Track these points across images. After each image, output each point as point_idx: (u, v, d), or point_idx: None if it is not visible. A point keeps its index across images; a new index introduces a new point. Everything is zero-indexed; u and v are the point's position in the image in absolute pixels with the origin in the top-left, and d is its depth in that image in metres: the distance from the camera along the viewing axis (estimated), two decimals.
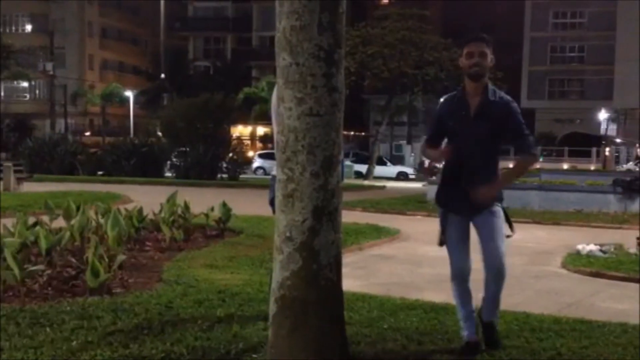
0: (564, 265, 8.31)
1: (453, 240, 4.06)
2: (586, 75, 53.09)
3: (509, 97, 4.03)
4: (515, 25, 55.41)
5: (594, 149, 45.32)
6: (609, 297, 6.59)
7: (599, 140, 46.39)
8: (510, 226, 4.12)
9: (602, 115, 47.98)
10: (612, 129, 49.33)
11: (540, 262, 8.83)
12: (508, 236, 4.06)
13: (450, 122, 4.04)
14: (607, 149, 43.26)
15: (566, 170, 31.50)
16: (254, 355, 3.83)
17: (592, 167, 38.10)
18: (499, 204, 4.06)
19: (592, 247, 8.94)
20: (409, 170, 38.63)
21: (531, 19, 53.95)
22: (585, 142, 47.11)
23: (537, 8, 53.26)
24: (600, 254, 8.66)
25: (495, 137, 4.00)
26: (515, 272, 7.97)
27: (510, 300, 6.13)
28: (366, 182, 29.20)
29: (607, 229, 12.47)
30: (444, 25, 54.27)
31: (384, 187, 25.96)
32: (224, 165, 25.97)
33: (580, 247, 9.02)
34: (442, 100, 4.30)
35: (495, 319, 4.19)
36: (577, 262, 8.28)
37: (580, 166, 37.21)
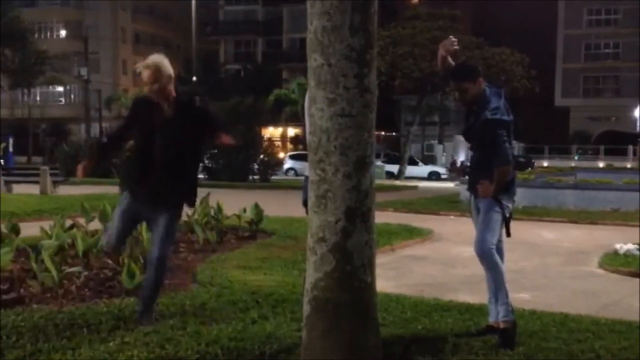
0: (601, 265, 8.16)
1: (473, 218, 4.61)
2: (621, 72, 52.12)
3: (487, 114, 4.26)
4: (548, 23, 54.68)
5: (630, 147, 44.47)
6: None
7: (635, 138, 45.44)
8: (507, 229, 4.43)
9: (638, 112, 47.04)
10: None
11: (577, 262, 8.69)
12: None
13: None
14: None
15: (602, 168, 30.98)
16: (288, 356, 3.83)
17: (629, 165, 37.36)
18: (500, 202, 4.32)
19: (630, 246, 8.76)
20: (441, 170, 38.36)
21: (565, 16, 53.19)
22: (621, 140, 46.28)
23: (570, 5, 52.48)
24: (639, 253, 8.48)
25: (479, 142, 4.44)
26: (552, 272, 7.91)
27: (547, 300, 6.05)
28: (398, 183, 29.08)
29: None
30: (475, 24, 53.79)
31: (415, 187, 25.81)
32: (256, 166, 26.09)
33: (617, 246, 8.85)
34: None
35: (502, 321, 4.24)
36: (614, 262, 8.12)
37: (617, 164, 36.48)
